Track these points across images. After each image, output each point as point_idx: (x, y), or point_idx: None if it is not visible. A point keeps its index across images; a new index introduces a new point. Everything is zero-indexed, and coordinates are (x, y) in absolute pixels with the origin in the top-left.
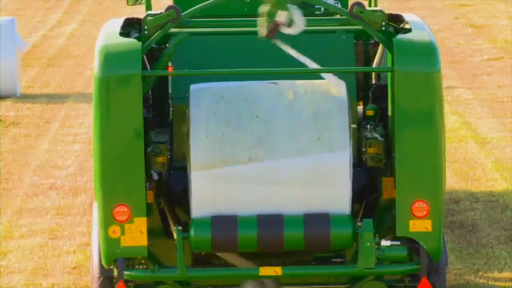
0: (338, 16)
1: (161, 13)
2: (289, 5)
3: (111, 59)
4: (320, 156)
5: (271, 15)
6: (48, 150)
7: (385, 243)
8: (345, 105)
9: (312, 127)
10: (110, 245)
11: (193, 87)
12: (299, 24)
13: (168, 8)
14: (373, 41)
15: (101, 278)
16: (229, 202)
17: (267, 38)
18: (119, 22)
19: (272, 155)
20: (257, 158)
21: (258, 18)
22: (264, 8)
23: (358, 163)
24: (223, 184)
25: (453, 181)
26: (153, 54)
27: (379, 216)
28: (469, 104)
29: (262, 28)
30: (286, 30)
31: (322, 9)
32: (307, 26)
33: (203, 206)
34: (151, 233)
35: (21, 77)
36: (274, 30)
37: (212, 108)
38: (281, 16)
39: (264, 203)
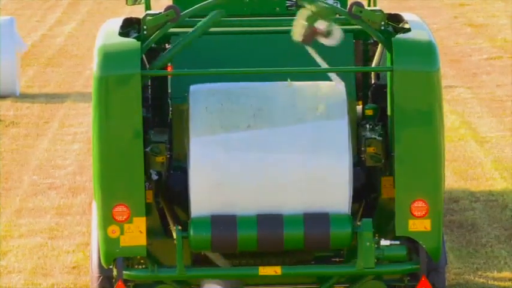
0: (337, 16)
1: (160, 13)
2: (330, 16)
3: (110, 58)
4: (319, 123)
5: (311, 20)
6: (48, 150)
7: (384, 242)
8: (342, 83)
9: (310, 100)
10: (109, 244)
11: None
12: (336, 36)
13: (168, 8)
14: (372, 41)
15: (100, 278)
16: (228, 171)
17: (302, 43)
18: (118, 22)
19: (271, 123)
20: (256, 126)
21: (295, 21)
22: (304, 12)
23: (357, 162)
24: (222, 150)
25: (452, 180)
26: (152, 54)
27: (378, 216)
28: (468, 103)
29: (298, 31)
30: (322, 40)
31: None
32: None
33: (202, 177)
34: (150, 232)
35: (21, 76)
36: (311, 36)
37: (212, 87)
38: (321, 24)
39: (262, 173)
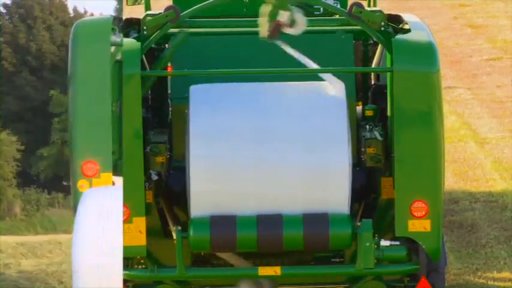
0: (337, 16)
1: (160, 13)
2: (290, 5)
3: None
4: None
5: (273, 15)
6: None
7: (384, 243)
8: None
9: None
10: None
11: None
12: (301, 24)
13: (167, 8)
14: (372, 41)
15: None
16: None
17: (269, 39)
18: None
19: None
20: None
21: (259, 18)
22: (265, 8)
23: (357, 163)
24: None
25: (452, 181)
26: (152, 54)
27: (378, 217)
28: (468, 104)
29: (263, 28)
30: (288, 31)
31: (322, 9)
32: (307, 26)
33: (202, 113)
34: (150, 233)
35: None
36: (276, 30)
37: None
38: (283, 16)
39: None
